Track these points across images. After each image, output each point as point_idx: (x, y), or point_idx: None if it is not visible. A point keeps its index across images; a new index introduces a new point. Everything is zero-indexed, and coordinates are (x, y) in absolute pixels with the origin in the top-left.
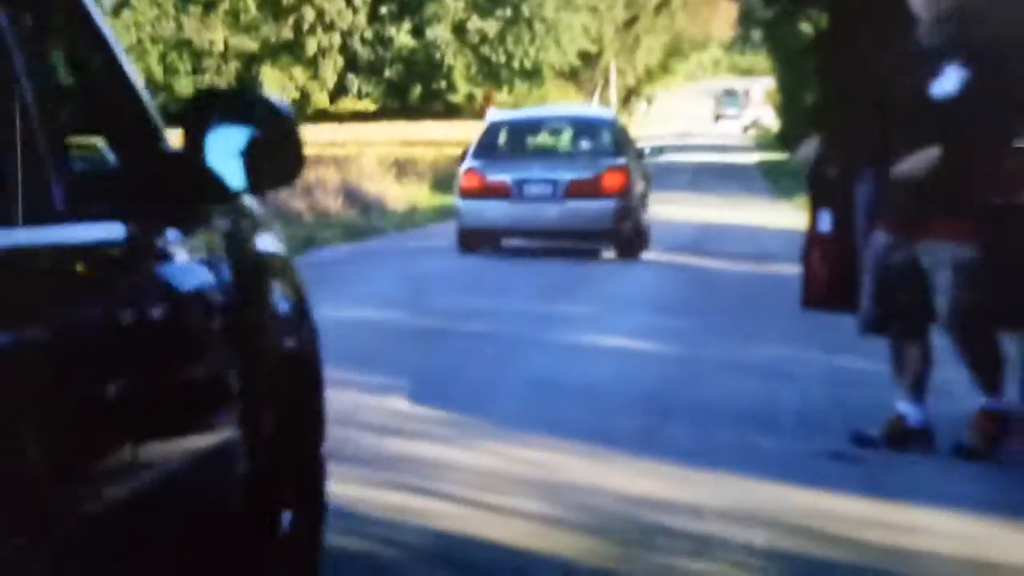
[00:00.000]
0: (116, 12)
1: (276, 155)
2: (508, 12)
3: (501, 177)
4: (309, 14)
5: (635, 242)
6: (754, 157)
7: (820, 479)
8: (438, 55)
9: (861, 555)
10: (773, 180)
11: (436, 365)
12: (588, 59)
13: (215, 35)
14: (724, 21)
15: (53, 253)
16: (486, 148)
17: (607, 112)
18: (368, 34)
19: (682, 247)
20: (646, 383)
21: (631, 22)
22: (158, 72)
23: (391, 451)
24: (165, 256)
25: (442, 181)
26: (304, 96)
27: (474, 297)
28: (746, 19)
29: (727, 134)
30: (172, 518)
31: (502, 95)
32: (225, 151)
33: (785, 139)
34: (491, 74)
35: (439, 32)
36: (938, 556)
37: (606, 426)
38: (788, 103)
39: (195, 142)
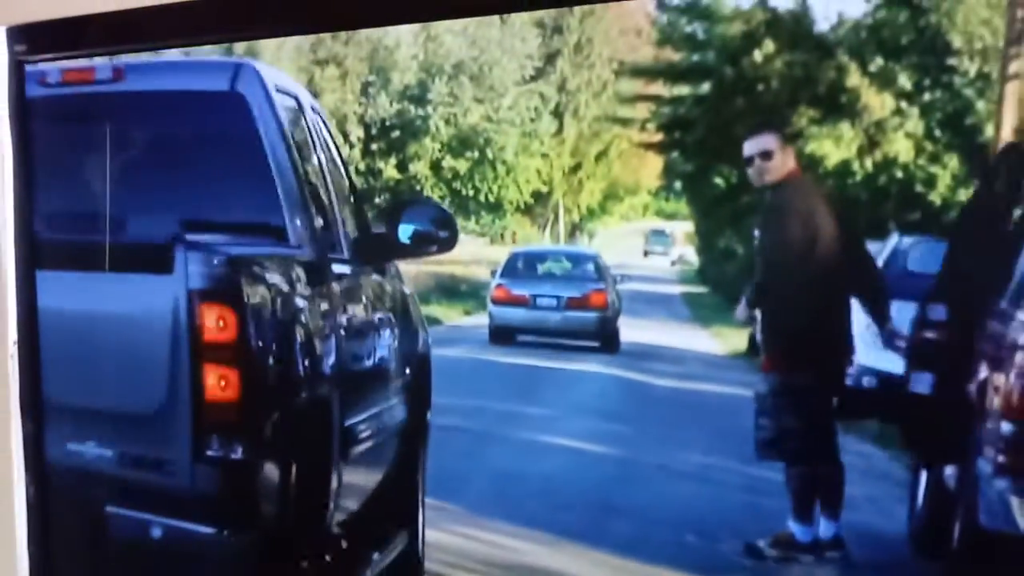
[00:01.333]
0: None
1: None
2: (476, 154)
3: (521, 291)
4: None
5: (612, 341)
6: (678, 289)
7: (739, 574)
8: (418, 187)
9: None
10: (694, 310)
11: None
12: (540, 197)
13: None
14: (652, 171)
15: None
16: (509, 270)
17: (593, 251)
18: (362, 166)
19: (619, 364)
20: (592, 480)
21: (576, 168)
22: None
23: None
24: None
25: (423, 295)
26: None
27: (448, 395)
28: (669, 171)
29: (655, 267)
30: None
31: (470, 223)
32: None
33: (703, 275)
34: (461, 206)
35: (419, 167)
36: None
37: (559, 517)
38: (704, 245)
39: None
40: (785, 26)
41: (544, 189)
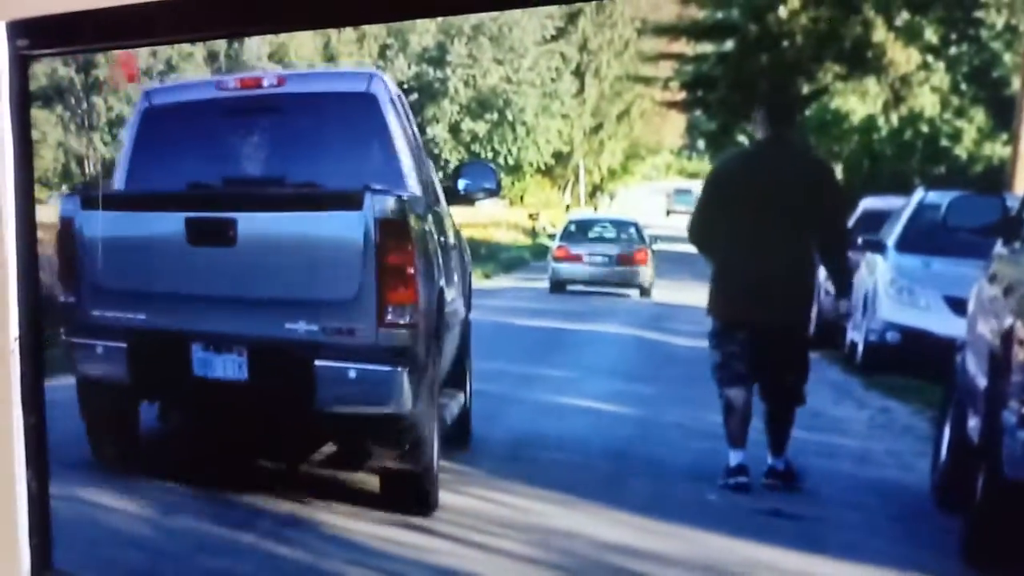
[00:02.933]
0: None
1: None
2: (495, 116)
3: (578, 250)
4: None
5: (649, 289)
6: None
7: (761, 533)
8: (436, 150)
9: None
10: None
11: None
12: (561, 158)
13: None
14: (674, 131)
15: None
16: (566, 235)
17: (633, 218)
18: None
19: (642, 324)
20: (612, 441)
21: (597, 128)
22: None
23: None
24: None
25: None
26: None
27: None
28: (692, 130)
29: (677, 227)
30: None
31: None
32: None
33: None
34: None
35: (438, 131)
36: None
37: (577, 478)
38: None
39: (453, 181)
40: None
41: (565, 150)
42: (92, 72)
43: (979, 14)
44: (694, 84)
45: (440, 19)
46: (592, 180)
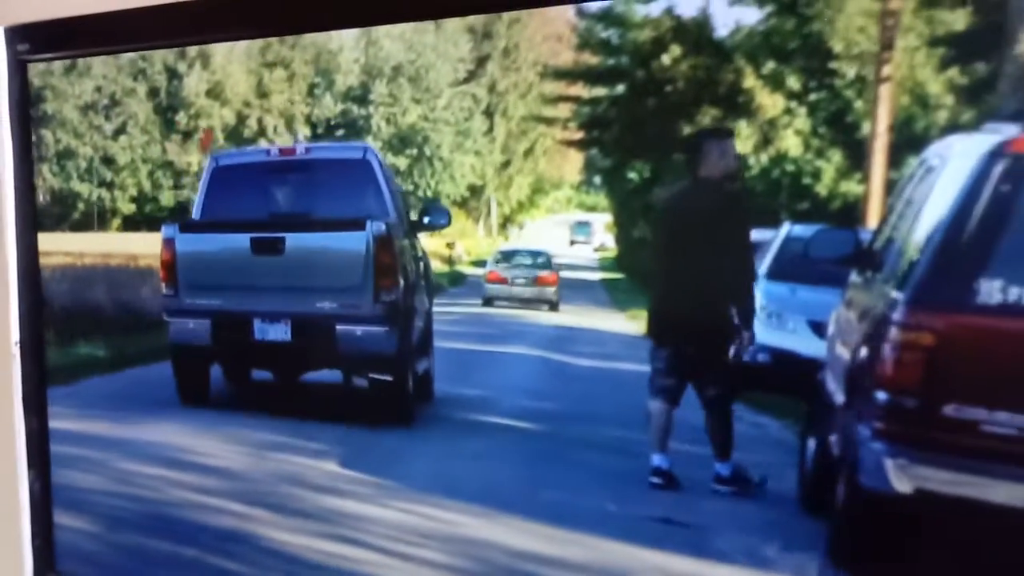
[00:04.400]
0: (115, 136)
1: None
2: (415, 151)
3: (505, 274)
4: (264, 145)
5: (556, 305)
6: (598, 275)
7: (653, 539)
8: None
9: None
10: (612, 295)
11: (358, 435)
12: (474, 191)
13: (191, 158)
14: (574, 167)
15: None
16: (495, 260)
17: (544, 248)
18: None
19: (548, 346)
20: (523, 455)
21: (506, 164)
22: (147, 185)
23: (328, 506)
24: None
25: None
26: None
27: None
28: (589, 166)
29: (578, 255)
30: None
31: (412, 216)
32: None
33: (620, 263)
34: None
35: None
36: None
37: (493, 490)
38: (622, 234)
39: (428, 214)
40: (689, 32)
41: (478, 184)
42: (40, 106)
43: (833, 65)
44: (590, 125)
45: (363, 60)
46: (503, 212)
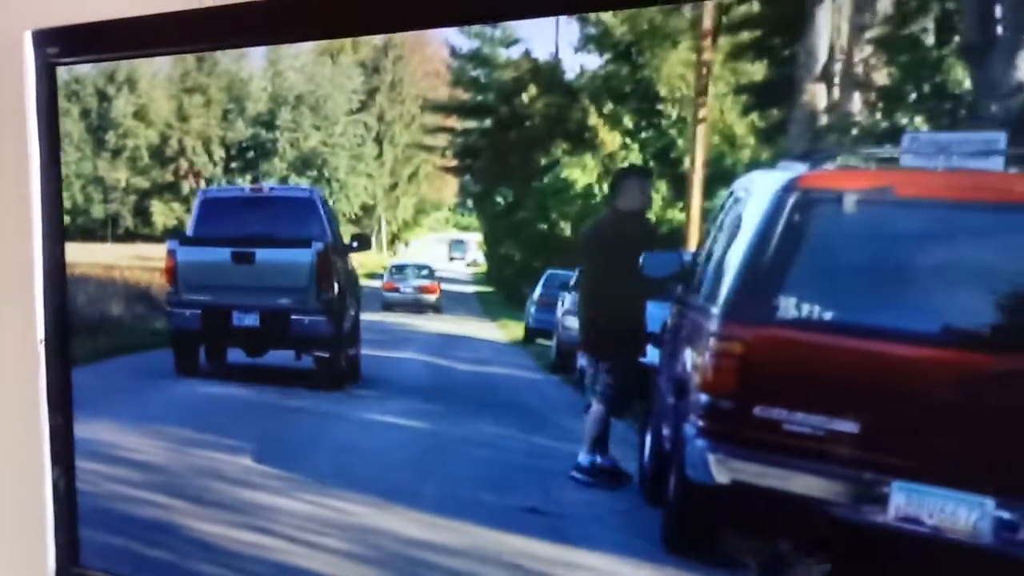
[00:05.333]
0: None
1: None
2: (315, 173)
3: (397, 284)
4: (184, 164)
5: (439, 309)
6: (472, 288)
7: (524, 528)
8: None
9: None
10: (484, 306)
11: (270, 432)
12: (367, 210)
13: (120, 174)
14: (451, 191)
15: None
16: (389, 272)
17: (428, 262)
18: (223, 182)
19: (432, 352)
20: (412, 451)
21: (393, 187)
22: (80, 199)
23: (243, 498)
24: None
25: None
26: (180, 224)
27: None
28: (462, 191)
29: (456, 270)
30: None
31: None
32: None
33: (490, 277)
34: None
35: (271, 184)
36: None
37: (386, 483)
38: (491, 251)
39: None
40: (544, 74)
41: (370, 203)
42: None
43: (660, 107)
44: (463, 153)
45: (270, 89)
46: (391, 230)
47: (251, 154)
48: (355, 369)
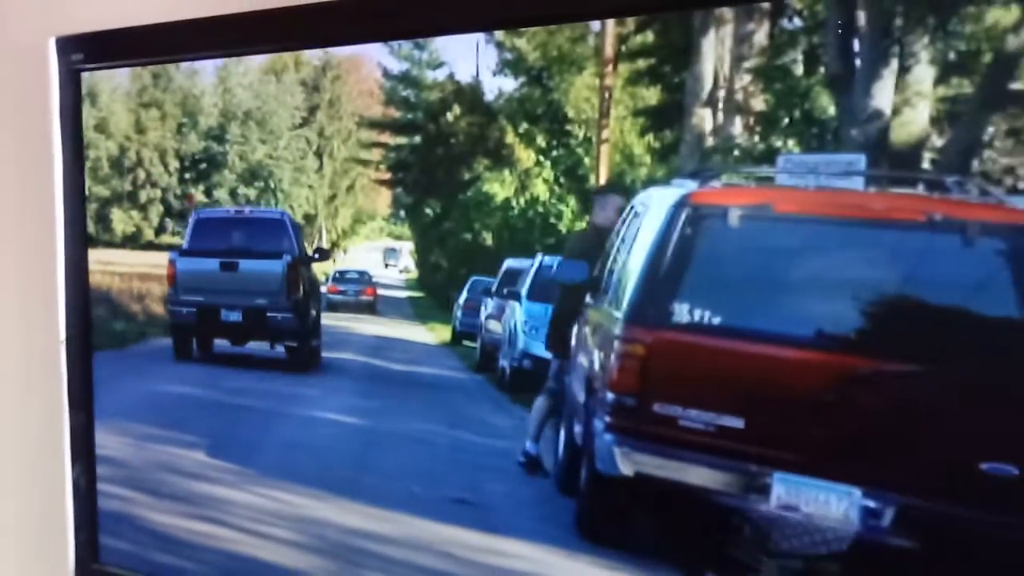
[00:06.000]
0: None
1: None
2: (262, 184)
3: (340, 287)
4: (141, 174)
5: (375, 309)
6: (405, 294)
7: (452, 517)
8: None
9: (471, 568)
10: (415, 310)
11: (222, 429)
12: (309, 219)
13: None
14: (385, 202)
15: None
16: (333, 278)
17: (365, 268)
18: (178, 191)
19: (368, 352)
20: (352, 446)
21: (333, 197)
22: None
23: (197, 491)
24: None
25: None
26: (138, 231)
27: (245, 380)
28: (395, 202)
29: (390, 276)
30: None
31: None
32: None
33: (421, 283)
34: None
35: (221, 194)
36: (512, 569)
37: (328, 477)
38: (421, 259)
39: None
40: (466, 95)
41: (312, 213)
42: None
43: (568, 128)
44: (395, 167)
45: (220, 104)
46: (331, 238)
47: (203, 166)
48: (317, 356)
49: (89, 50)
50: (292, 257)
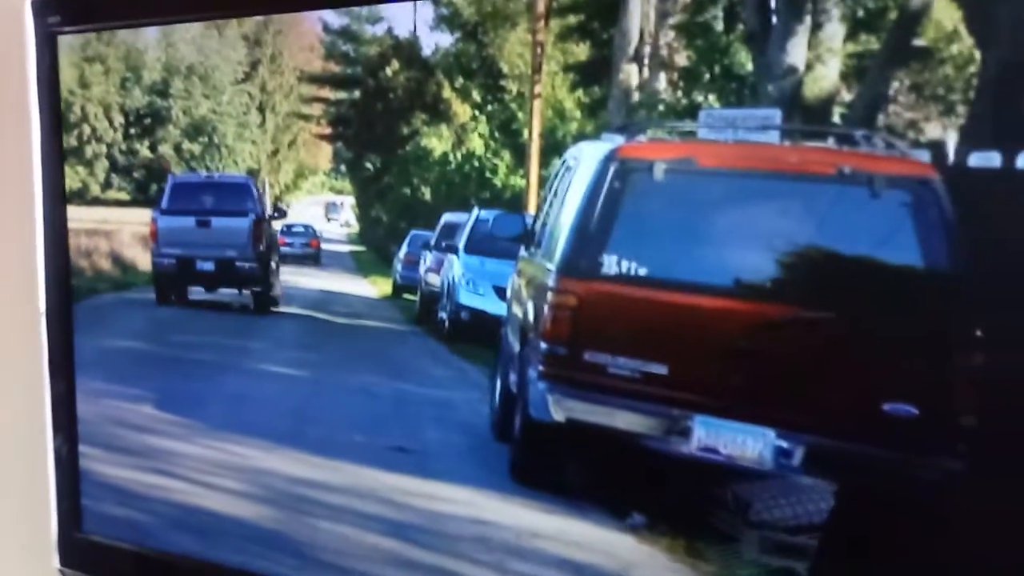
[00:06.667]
0: None
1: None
2: (207, 139)
3: (289, 240)
4: (87, 129)
5: (318, 260)
6: (347, 248)
7: (393, 465)
8: (164, 165)
9: (411, 513)
10: (357, 264)
11: (171, 383)
12: (252, 174)
13: None
14: (326, 157)
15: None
16: (283, 231)
17: (310, 222)
18: (123, 147)
19: (311, 306)
20: (296, 398)
21: (275, 153)
22: None
23: (147, 444)
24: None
25: None
26: (84, 186)
27: (192, 334)
28: (337, 157)
29: (333, 231)
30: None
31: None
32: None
33: (362, 237)
34: None
35: (166, 149)
36: (450, 513)
37: (274, 427)
38: (362, 214)
39: (276, 212)
40: (404, 50)
41: (255, 168)
42: None
43: (503, 83)
44: (336, 122)
45: (164, 59)
46: (274, 193)
47: (148, 121)
48: (276, 301)
49: (66, 13)
50: (256, 215)
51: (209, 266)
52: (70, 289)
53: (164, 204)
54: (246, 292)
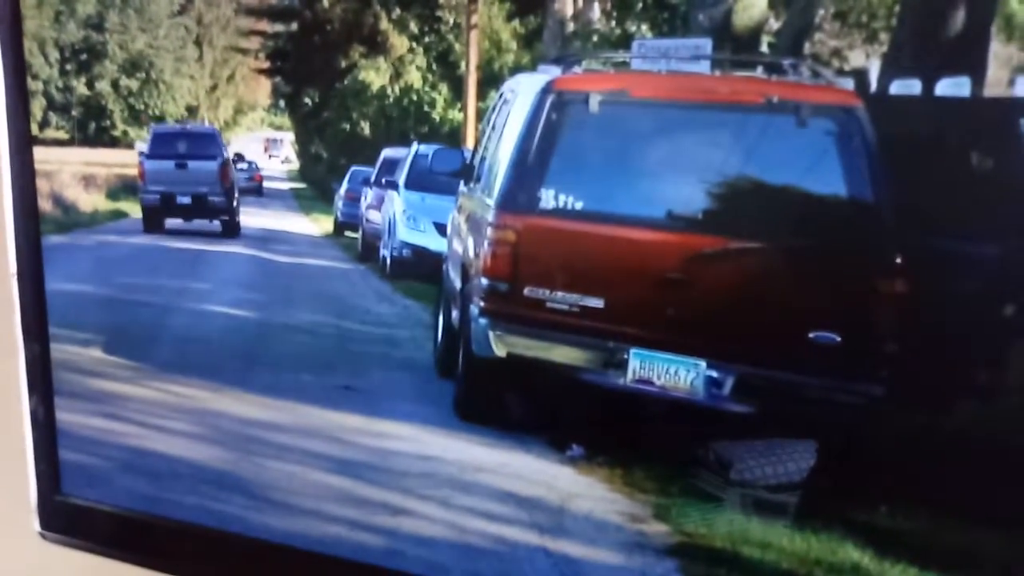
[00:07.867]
0: None
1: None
2: (144, 75)
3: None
4: None
5: (261, 192)
6: (288, 185)
7: (340, 404)
8: (102, 102)
9: (358, 451)
10: (299, 201)
11: (117, 325)
12: (192, 111)
13: None
14: (265, 92)
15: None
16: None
17: (253, 159)
18: (60, 84)
19: (254, 246)
20: (242, 338)
21: (214, 88)
22: None
23: (96, 388)
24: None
25: (113, 192)
26: None
27: (137, 276)
28: (275, 92)
29: (274, 168)
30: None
31: (144, 133)
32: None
33: (303, 174)
34: (135, 118)
35: (103, 86)
36: (397, 450)
37: (222, 368)
38: (302, 150)
39: (236, 157)
40: None
41: (194, 104)
42: None
43: (439, 13)
44: (274, 56)
45: None
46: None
47: (84, 56)
48: (238, 228)
49: None
50: (223, 158)
51: (187, 200)
52: (40, 251)
53: (147, 150)
54: (215, 222)
